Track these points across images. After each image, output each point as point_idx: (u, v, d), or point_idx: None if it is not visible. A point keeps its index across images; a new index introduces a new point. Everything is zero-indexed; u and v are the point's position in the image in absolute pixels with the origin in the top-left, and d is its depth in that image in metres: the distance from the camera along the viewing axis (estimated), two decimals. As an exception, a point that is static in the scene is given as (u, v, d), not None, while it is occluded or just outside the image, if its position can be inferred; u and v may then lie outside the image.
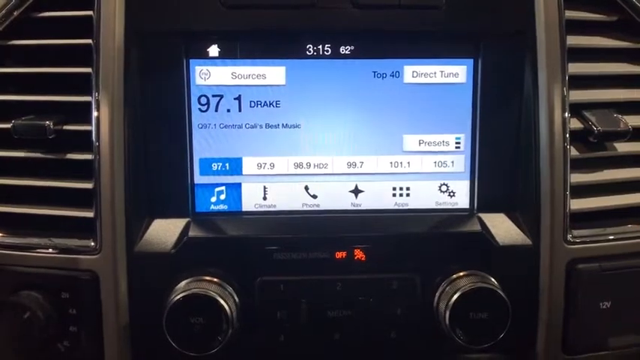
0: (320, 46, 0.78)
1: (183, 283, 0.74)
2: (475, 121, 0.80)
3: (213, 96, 0.78)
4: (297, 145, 0.80)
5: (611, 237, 0.80)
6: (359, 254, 0.78)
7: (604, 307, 0.80)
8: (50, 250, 0.75)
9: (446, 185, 0.82)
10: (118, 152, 0.74)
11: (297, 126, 0.79)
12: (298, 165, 0.80)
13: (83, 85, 0.75)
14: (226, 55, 0.77)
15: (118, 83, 0.74)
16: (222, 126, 0.79)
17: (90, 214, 0.74)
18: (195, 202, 0.80)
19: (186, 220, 0.78)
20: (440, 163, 0.81)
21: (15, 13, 0.75)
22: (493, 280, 0.77)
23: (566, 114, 0.77)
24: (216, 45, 0.77)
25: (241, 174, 0.80)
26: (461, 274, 0.77)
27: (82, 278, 0.74)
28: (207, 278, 0.75)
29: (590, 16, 0.81)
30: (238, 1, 0.74)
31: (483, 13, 0.76)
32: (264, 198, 0.81)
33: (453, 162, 0.81)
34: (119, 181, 0.74)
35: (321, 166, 0.80)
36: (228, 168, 0.80)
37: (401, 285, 0.78)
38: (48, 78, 0.76)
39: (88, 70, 0.74)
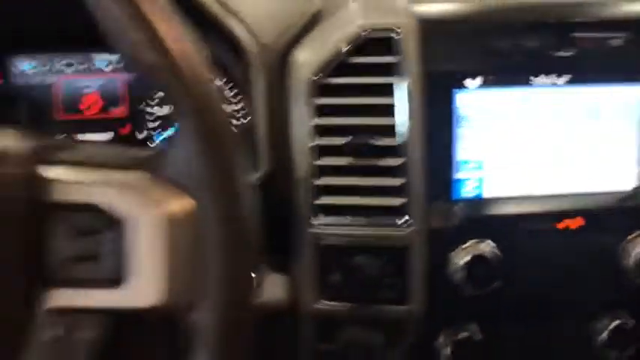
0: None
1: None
2: None
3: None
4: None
5: None
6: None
7: None
8: (373, 229, 1.06)
9: None
10: (421, 156, 1.05)
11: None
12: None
13: (386, 109, 1.06)
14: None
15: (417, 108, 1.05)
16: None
17: (397, 203, 1.05)
18: (452, 191, 1.12)
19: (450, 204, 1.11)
20: None
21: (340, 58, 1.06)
22: None
23: None
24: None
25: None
26: None
27: (397, 246, 1.05)
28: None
29: None
30: None
31: None
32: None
33: None
34: (421, 177, 1.05)
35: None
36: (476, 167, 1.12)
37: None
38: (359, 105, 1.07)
39: (391, 100, 1.05)
